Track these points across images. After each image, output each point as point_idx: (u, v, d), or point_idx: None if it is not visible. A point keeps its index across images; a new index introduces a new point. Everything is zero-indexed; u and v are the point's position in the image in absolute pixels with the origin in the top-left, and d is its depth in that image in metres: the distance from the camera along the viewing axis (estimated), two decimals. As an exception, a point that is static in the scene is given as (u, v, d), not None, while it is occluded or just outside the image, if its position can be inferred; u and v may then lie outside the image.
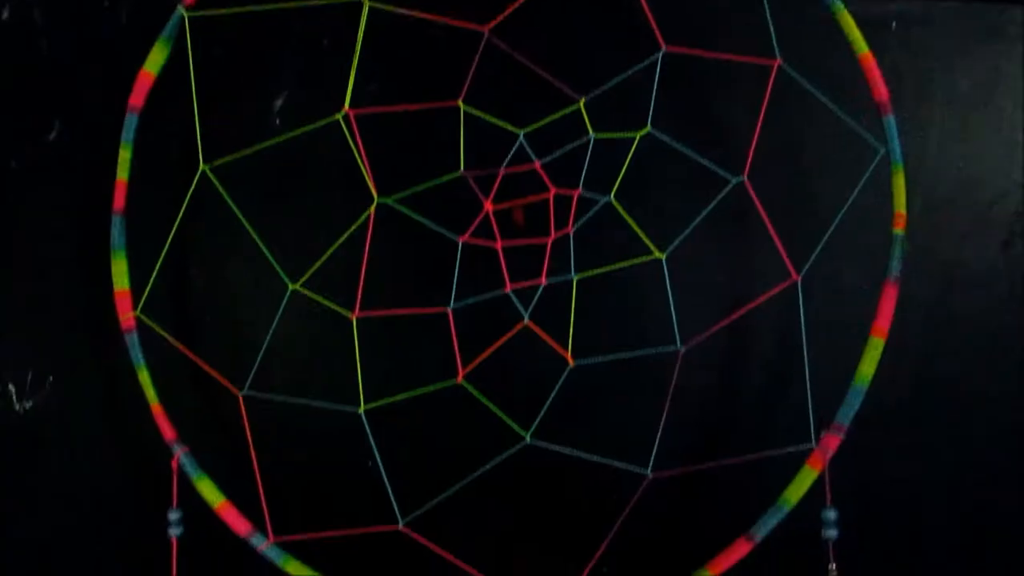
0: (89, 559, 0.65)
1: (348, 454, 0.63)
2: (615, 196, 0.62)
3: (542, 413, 0.60)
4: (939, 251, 0.66)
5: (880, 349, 0.56)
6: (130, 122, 0.62)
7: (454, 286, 0.62)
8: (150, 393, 0.60)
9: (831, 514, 0.56)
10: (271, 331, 0.62)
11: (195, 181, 0.61)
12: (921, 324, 0.66)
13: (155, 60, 0.62)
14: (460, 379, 0.62)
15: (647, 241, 0.61)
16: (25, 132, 0.68)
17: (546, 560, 0.63)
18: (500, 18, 0.60)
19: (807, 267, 0.58)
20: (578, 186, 0.62)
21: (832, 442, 0.57)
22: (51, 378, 0.67)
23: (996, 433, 0.66)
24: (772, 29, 0.58)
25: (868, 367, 0.57)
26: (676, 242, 0.60)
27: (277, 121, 0.67)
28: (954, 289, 0.66)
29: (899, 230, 0.57)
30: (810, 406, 0.57)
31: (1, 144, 0.69)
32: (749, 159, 0.59)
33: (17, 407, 0.68)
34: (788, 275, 0.58)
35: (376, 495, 0.60)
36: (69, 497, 0.65)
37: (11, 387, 0.67)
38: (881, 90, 0.58)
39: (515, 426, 0.61)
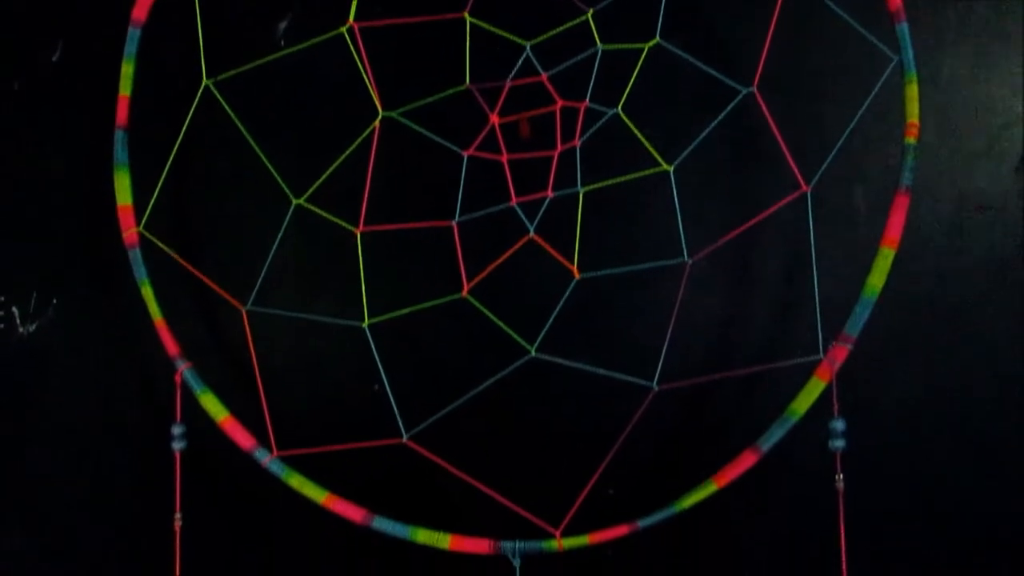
0: (94, 476, 0.65)
1: (352, 370, 0.63)
2: (622, 108, 0.61)
3: (547, 326, 0.60)
4: (951, 173, 0.66)
5: (890, 260, 0.55)
6: (132, 36, 0.61)
7: (459, 200, 0.62)
8: (153, 308, 0.60)
9: (839, 425, 0.56)
10: (275, 247, 0.61)
11: (198, 96, 0.60)
12: (933, 244, 0.65)
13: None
14: (465, 293, 0.61)
15: (654, 153, 0.60)
16: (28, 53, 0.68)
17: (550, 475, 0.63)
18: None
19: (817, 178, 0.57)
20: (585, 98, 0.61)
21: (840, 353, 0.56)
22: (55, 301, 0.67)
23: (1002, 354, 0.65)
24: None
25: (878, 278, 0.56)
26: (684, 154, 0.60)
27: (282, 42, 0.67)
28: (965, 211, 0.66)
29: (911, 139, 0.56)
30: (818, 318, 0.56)
31: (4, 65, 0.69)
32: (759, 69, 0.58)
33: (21, 330, 0.68)
34: (797, 186, 0.58)
35: (380, 409, 0.60)
36: (74, 414, 0.65)
37: (14, 310, 0.67)
38: (895, -1, 0.58)
39: (520, 340, 0.60)
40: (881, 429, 0.62)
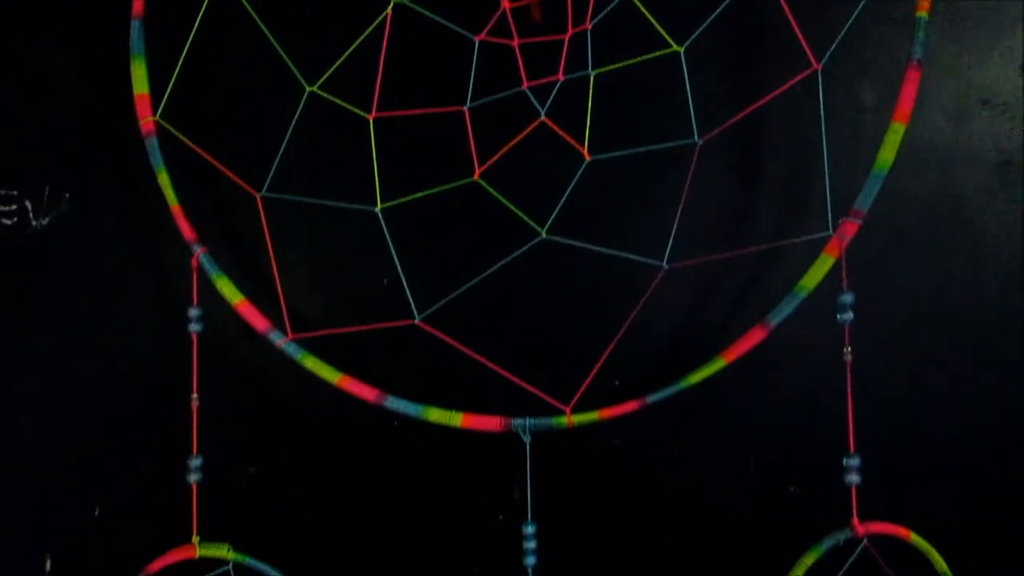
0: (112, 360, 0.65)
1: (365, 254, 0.63)
2: (633, -10, 0.61)
3: (558, 209, 0.60)
4: (957, 69, 0.65)
5: (900, 135, 0.56)
6: (143, -81, 0.62)
7: (471, 85, 0.62)
8: (169, 194, 0.61)
9: (847, 298, 0.56)
10: (288, 134, 0.62)
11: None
12: (938, 140, 0.65)
13: None
14: (476, 176, 0.62)
15: (664, 35, 0.60)
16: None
17: (561, 354, 0.63)
18: None
19: (827, 56, 0.57)
20: (596, -20, 0.61)
21: (850, 228, 0.56)
22: (67, 195, 0.68)
23: (1003, 246, 0.64)
24: None
25: (888, 153, 0.56)
26: (694, 35, 0.60)
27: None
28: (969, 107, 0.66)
29: (922, 13, 0.56)
30: (827, 193, 0.56)
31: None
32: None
33: (34, 223, 0.68)
34: (808, 64, 0.58)
35: (393, 293, 0.61)
36: (90, 303, 0.66)
37: (27, 204, 0.68)
38: None
39: (531, 223, 0.61)
40: (887, 309, 0.63)
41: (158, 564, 0.60)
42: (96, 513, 0.65)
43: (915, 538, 0.57)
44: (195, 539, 0.61)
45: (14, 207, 0.69)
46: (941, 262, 0.63)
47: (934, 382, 0.63)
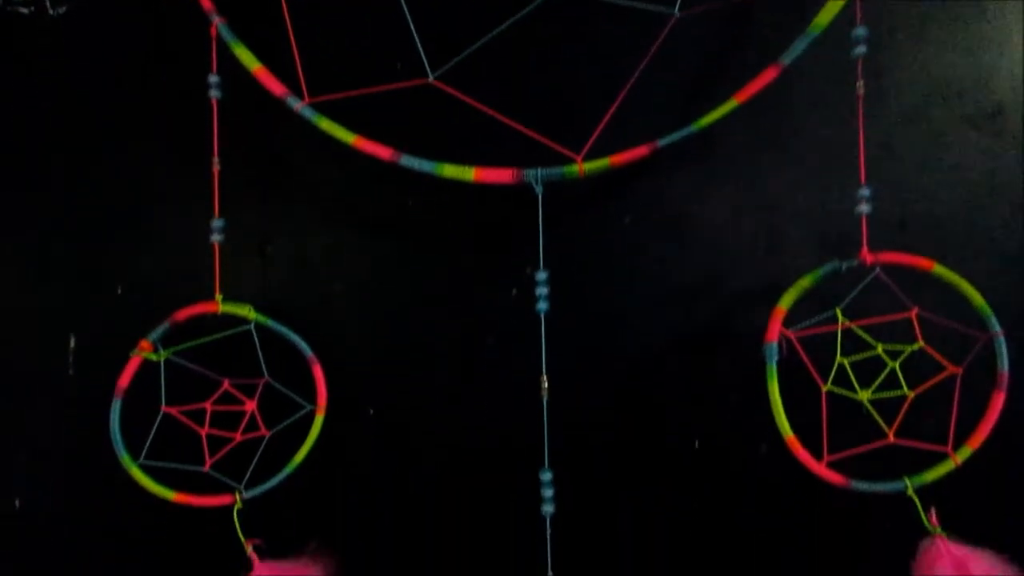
0: (133, 131, 0.66)
1: (379, 17, 0.63)
2: None
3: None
4: None
5: None
6: None
7: None
8: (184, -36, 0.62)
9: (861, 32, 0.56)
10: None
11: None
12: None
13: None
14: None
15: None
16: None
17: (573, 107, 0.63)
18: None
19: None
20: None
21: (864, -37, 0.56)
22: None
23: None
24: None
25: None
26: None
27: None
28: None
29: None
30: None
31: None
32: None
33: (51, 12, 0.69)
34: None
35: (407, 54, 0.61)
36: (110, 81, 0.67)
37: (46, -8, 0.69)
38: None
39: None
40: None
41: (184, 313, 0.62)
42: (119, 292, 0.68)
43: (939, 269, 0.56)
44: (218, 296, 0.63)
45: (32, -5, 0.70)
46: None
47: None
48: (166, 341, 0.63)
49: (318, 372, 0.63)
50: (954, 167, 0.62)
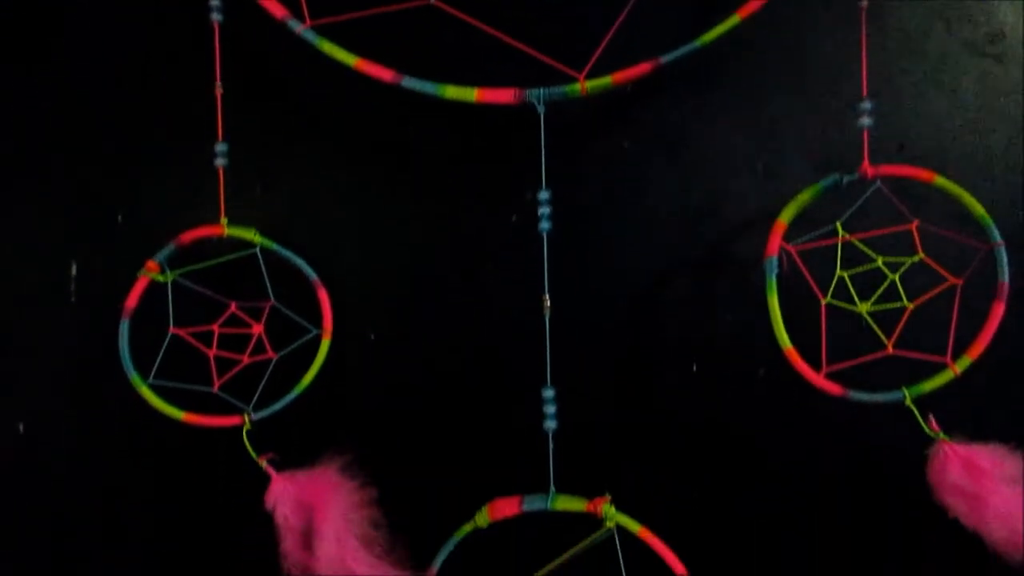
0: (135, 53, 0.67)
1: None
2: None
3: None
4: None
5: None
6: None
7: None
8: None
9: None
10: None
11: None
12: None
13: None
14: None
15: None
16: None
17: (575, 23, 0.63)
18: None
19: None
20: None
21: None
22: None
23: None
24: None
25: None
26: None
27: None
28: None
29: None
30: None
31: None
32: None
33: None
34: None
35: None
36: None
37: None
38: None
39: None
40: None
41: (189, 235, 0.63)
42: (119, 219, 0.68)
43: (940, 180, 0.56)
44: (223, 220, 0.64)
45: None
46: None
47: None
48: (172, 265, 0.63)
49: (323, 296, 0.64)
50: (954, 91, 0.62)
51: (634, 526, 0.57)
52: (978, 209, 0.55)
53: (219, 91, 0.63)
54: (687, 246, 0.65)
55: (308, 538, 0.61)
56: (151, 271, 0.63)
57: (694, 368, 0.65)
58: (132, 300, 0.63)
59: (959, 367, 0.55)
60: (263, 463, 0.63)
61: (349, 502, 0.61)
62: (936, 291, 0.56)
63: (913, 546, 0.64)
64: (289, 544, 0.61)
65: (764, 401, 0.63)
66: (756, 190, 0.64)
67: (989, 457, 0.54)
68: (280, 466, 0.63)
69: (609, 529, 0.57)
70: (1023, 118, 0.63)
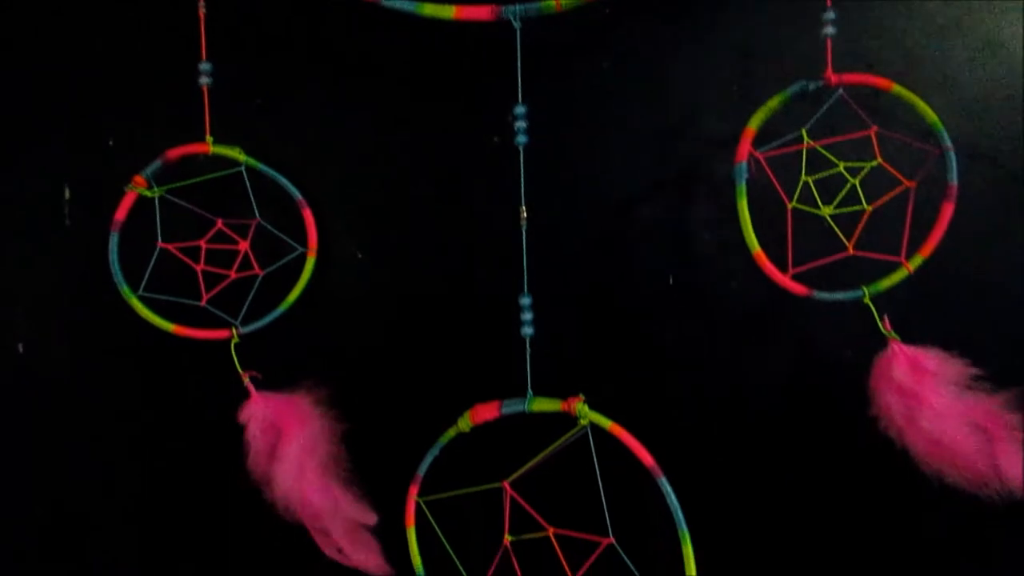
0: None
1: None
2: None
3: None
4: None
5: None
6: None
7: None
8: None
9: None
10: None
11: None
12: None
13: None
14: None
15: None
16: None
17: None
18: None
19: None
20: None
21: None
22: None
23: None
24: None
25: None
26: None
27: None
28: None
29: None
30: None
31: None
32: None
33: None
34: None
35: None
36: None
37: None
38: None
39: None
40: None
41: (175, 152, 0.65)
42: (110, 143, 0.70)
43: (898, 89, 0.58)
44: (209, 138, 0.66)
45: None
46: None
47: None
48: (160, 183, 0.65)
49: (308, 215, 0.66)
50: (921, 4, 0.64)
51: (605, 422, 0.59)
52: (931, 116, 0.57)
53: (202, 11, 0.64)
54: (662, 166, 0.67)
55: (272, 459, 0.63)
56: (138, 186, 0.65)
57: (670, 281, 0.68)
58: (121, 213, 0.64)
59: (912, 265, 0.57)
60: (246, 379, 0.65)
61: (315, 433, 0.64)
62: (892, 194, 0.58)
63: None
64: (253, 461, 0.64)
65: (735, 310, 0.66)
66: (732, 109, 0.65)
67: (935, 359, 0.56)
68: (262, 384, 0.65)
69: (583, 427, 0.60)
70: (985, 35, 0.65)
